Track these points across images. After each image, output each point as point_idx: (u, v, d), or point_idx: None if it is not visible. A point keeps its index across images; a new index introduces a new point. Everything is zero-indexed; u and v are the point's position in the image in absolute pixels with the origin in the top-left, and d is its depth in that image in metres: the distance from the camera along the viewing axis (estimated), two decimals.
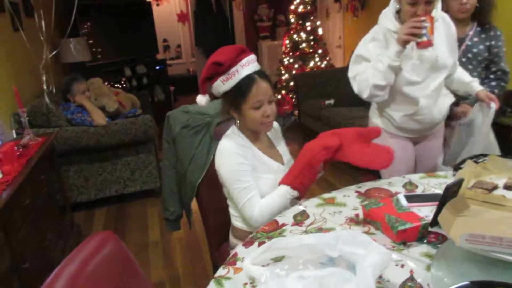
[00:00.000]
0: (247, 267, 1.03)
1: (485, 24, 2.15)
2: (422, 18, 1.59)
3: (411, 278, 0.98)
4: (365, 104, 2.17)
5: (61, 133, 3.15)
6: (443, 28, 1.83)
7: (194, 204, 1.86)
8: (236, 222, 1.58)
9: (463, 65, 2.11)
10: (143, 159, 3.52)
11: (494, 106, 1.89)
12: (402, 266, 1.03)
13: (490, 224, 0.91)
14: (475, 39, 2.16)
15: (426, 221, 1.11)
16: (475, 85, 1.96)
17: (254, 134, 1.55)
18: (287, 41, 5.50)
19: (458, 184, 1.09)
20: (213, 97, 1.83)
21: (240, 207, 1.46)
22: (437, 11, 1.77)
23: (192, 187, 1.82)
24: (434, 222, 1.16)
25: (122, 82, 5.85)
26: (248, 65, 1.44)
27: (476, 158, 1.68)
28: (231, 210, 1.62)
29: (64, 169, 3.29)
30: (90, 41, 5.21)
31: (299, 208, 1.41)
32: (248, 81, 1.43)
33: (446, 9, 2.04)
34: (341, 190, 1.54)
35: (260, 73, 1.46)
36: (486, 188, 1.27)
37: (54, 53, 2.90)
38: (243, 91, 1.43)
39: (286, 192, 1.45)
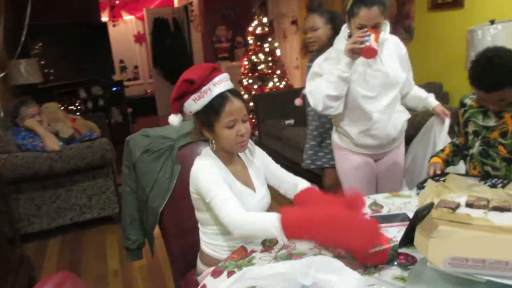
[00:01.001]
0: None
1: None
2: (365, 29, 1.71)
3: None
4: None
5: (11, 160, 2.97)
6: (394, 49, 1.94)
7: (156, 231, 1.79)
8: (206, 248, 1.53)
9: None
10: (100, 184, 3.37)
11: (448, 120, 2.03)
12: None
13: (465, 244, 0.92)
14: None
15: (395, 242, 1.11)
16: (431, 100, 2.07)
17: (229, 157, 1.50)
18: (245, 62, 5.54)
19: (428, 208, 1.10)
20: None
21: (219, 213, 1.33)
22: (386, 33, 1.88)
23: (155, 214, 1.75)
24: (402, 243, 1.17)
25: (77, 104, 5.66)
26: (220, 83, 1.40)
27: (437, 177, 1.73)
28: (202, 235, 1.55)
29: (13, 197, 3.09)
30: (42, 62, 5.02)
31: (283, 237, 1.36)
32: (221, 99, 1.38)
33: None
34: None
35: (233, 92, 1.43)
36: (450, 207, 1.30)
37: (2, 75, 2.76)
38: (216, 110, 1.38)
39: (269, 225, 1.21)
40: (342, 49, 1.86)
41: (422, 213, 1.08)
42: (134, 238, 1.87)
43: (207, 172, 1.38)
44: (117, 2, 8.11)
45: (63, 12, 5.61)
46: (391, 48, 1.93)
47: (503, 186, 1.51)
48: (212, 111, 1.39)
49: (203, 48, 7.23)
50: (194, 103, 1.41)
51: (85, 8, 5.98)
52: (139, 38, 8.88)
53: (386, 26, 1.88)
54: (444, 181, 1.59)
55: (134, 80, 8.93)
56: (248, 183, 1.51)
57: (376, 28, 1.74)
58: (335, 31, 2.19)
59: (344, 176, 2.07)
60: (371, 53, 1.71)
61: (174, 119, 1.50)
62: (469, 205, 1.37)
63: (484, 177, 1.70)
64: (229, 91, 1.42)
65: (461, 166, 1.99)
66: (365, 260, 1.11)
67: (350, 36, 1.87)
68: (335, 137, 2.09)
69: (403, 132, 2.04)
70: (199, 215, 1.52)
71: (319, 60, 1.99)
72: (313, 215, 1.16)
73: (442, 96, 3.31)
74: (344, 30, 1.92)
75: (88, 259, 3.01)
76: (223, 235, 1.48)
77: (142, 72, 9.05)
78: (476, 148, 1.81)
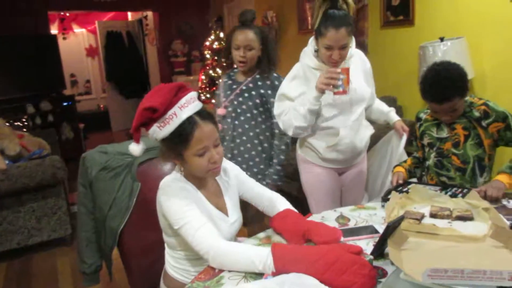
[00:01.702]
0: None
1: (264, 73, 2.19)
2: (338, 70, 1.70)
3: None
4: (287, 135, 2.23)
5: None
6: (359, 64, 1.97)
7: (114, 252, 1.70)
8: (171, 270, 1.45)
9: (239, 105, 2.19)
10: (51, 205, 3.17)
11: (405, 137, 2.08)
12: None
13: (436, 255, 0.92)
14: (251, 85, 2.18)
15: (369, 257, 1.10)
16: (393, 115, 2.13)
17: (200, 181, 1.39)
18: (203, 77, 5.50)
19: (399, 221, 1.10)
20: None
21: (192, 241, 1.23)
22: (352, 48, 1.90)
23: (113, 234, 1.66)
24: (374, 255, 1.16)
25: (24, 120, 5.36)
26: (187, 106, 1.26)
27: (400, 187, 1.76)
28: (168, 257, 1.47)
29: None
30: None
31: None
32: (189, 125, 1.25)
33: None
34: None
35: (202, 114, 1.29)
36: (416, 218, 1.32)
37: None
38: (184, 138, 1.25)
39: (256, 260, 1.13)
40: (309, 65, 1.88)
41: (393, 226, 1.08)
42: (91, 262, 1.76)
43: (175, 197, 1.28)
44: (67, 14, 7.84)
45: (10, 23, 5.35)
46: (357, 63, 1.95)
47: (463, 196, 1.57)
48: (180, 139, 1.26)
49: (159, 62, 7.12)
50: (159, 131, 1.27)
51: (33, 20, 5.73)
52: (91, 52, 8.61)
53: (352, 42, 1.90)
54: (407, 192, 1.63)
55: (86, 94, 8.61)
56: (220, 206, 1.43)
57: (343, 49, 1.76)
58: (264, 54, 2.15)
59: (309, 188, 2.06)
60: (342, 94, 1.75)
61: (135, 148, 1.34)
62: (433, 215, 1.40)
63: (444, 187, 1.75)
64: (198, 113, 1.28)
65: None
66: None
67: (316, 51, 1.87)
68: (300, 151, 2.08)
69: (367, 146, 2.07)
70: (166, 238, 1.43)
71: (287, 80, 1.96)
72: (311, 250, 1.11)
73: (397, 110, 3.41)
74: (311, 43, 1.92)
75: (38, 285, 2.80)
76: (190, 260, 1.41)
77: (95, 87, 8.76)
78: (431, 160, 1.87)
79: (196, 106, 1.29)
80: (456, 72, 1.68)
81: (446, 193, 1.64)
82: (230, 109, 2.21)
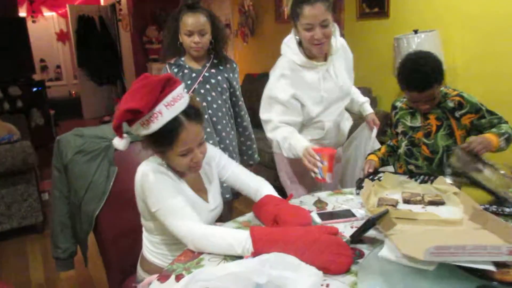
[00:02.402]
0: None
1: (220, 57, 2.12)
2: (317, 158, 1.58)
3: None
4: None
5: None
6: (343, 55, 1.93)
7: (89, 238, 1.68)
8: (149, 255, 1.44)
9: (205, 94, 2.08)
10: (21, 191, 3.09)
11: (375, 130, 2.12)
12: (328, 286, 1.02)
13: (428, 238, 0.95)
14: (213, 70, 2.09)
15: (347, 238, 1.13)
16: (366, 107, 2.15)
17: None
18: None
19: (381, 216, 1.13)
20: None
21: (170, 224, 1.23)
22: (337, 38, 1.87)
23: (89, 219, 1.64)
24: (354, 239, 1.19)
25: None
26: (174, 104, 1.20)
27: (372, 175, 1.80)
28: (146, 241, 1.46)
29: None
30: None
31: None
32: (174, 126, 1.21)
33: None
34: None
35: (188, 114, 1.24)
36: (392, 204, 1.36)
37: None
38: (168, 139, 1.22)
39: (234, 243, 1.14)
40: (295, 62, 1.80)
41: (373, 221, 1.12)
42: (65, 247, 1.74)
43: (155, 180, 1.26)
44: None
45: None
46: (341, 58, 1.91)
47: (431, 182, 1.62)
48: (164, 140, 1.23)
49: (133, 49, 6.97)
50: (142, 128, 1.22)
51: (0, 1, 5.51)
52: (62, 36, 8.36)
53: (336, 30, 1.85)
54: (379, 179, 1.67)
55: (56, 80, 8.37)
56: (201, 192, 1.42)
57: (325, 27, 1.68)
58: (217, 36, 2.04)
59: (289, 178, 2.04)
60: (322, 181, 1.61)
61: (119, 143, 1.28)
62: (406, 201, 1.44)
63: (413, 175, 1.80)
64: (185, 112, 1.23)
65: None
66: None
67: (300, 43, 1.82)
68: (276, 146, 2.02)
69: (346, 137, 2.10)
70: (144, 222, 1.42)
71: (273, 79, 1.84)
72: (289, 231, 1.12)
73: (371, 101, 3.47)
74: (292, 38, 1.84)
75: (8, 273, 2.74)
76: (168, 245, 1.41)
77: (66, 72, 8.52)
78: (402, 148, 1.92)
79: (183, 103, 1.24)
80: (433, 60, 1.72)
81: (416, 180, 1.69)
82: (197, 99, 2.04)
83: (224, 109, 2.10)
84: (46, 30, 8.11)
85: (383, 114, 3.30)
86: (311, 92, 1.83)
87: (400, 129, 1.94)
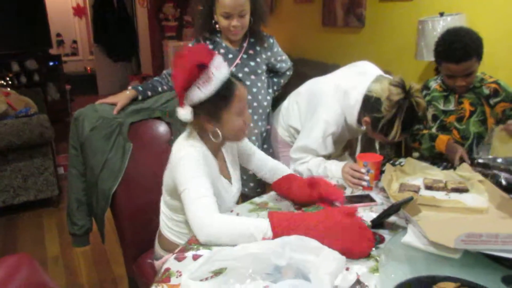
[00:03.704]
0: (186, 283, 0.92)
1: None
2: (363, 171, 1.48)
3: (358, 282, 0.96)
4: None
5: None
6: None
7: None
8: (168, 233, 1.44)
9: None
10: (38, 165, 3.12)
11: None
12: (348, 269, 1.00)
13: (456, 224, 0.93)
14: (251, 51, 1.96)
15: (367, 223, 1.11)
16: None
17: (216, 147, 1.36)
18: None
19: (406, 202, 1.10)
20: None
21: (189, 209, 1.17)
22: None
23: (106, 196, 1.64)
24: (375, 224, 1.17)
25: (8, 78, 5.20)
26: (221, 67, 1.22)
27: (393, 161, 1.77)
28: (166, 220, 1.44)
29: None
30: None
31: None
32: (228, 84, 1.23)
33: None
34: (271, 194, 1.49)
35: (235, 76, 1.29)
36: (414, 190, 1.33)
37: None
38: (225, 96, 1.23)
39: (254, 231, 1.08)
40: (350, 124, 1.68)
41: (397, 206, 1.09)
42: (81, 223, 1.75)
43: (191, 162, 1.22)
44: None
45: None
46: None
47: (454, 168, 1.58)
48: (220, 99, 1.23)
49: (149, 26, 6.91)
50: (199, 91, 1.20)
51: None
52: (78, 11, 8.31)
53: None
54: (400, 164, 1.64)
55: (72, 55, 8.37)
56: (225, 175, 1.41)
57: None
58: (256, 15, 1.87)
59: None
60: (368, 189, 1.51)
61: (185, 113, 1.25)
62: (428, 187, 1.41)
63: (435, 161, 1.76)
64: (231, 75, 1.27)
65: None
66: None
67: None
68: (282, 132, 2.00)
69: None
70: (172, 201, 1.38)
71: (319, 132, 1.68)
72: (307, 216, 1.09)
73: None
74: (357, 100, 1.62)
75: (24, 245, 2.79)
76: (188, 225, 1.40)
77: (82, 48, 8.50)
78: (427, 133, 1.86)
79: (227, 67, 1.26)
80: (474, 34, 1.67)
81: (438, 166, 1.65)
82: None
83: (263, 91, 1.98)
84: (63, 4, 8.06)
85: None
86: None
87: (430, 112, 1.87)
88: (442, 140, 1.75)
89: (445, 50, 1.69)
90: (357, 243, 1.03)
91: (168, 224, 1.44)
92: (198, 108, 1.25)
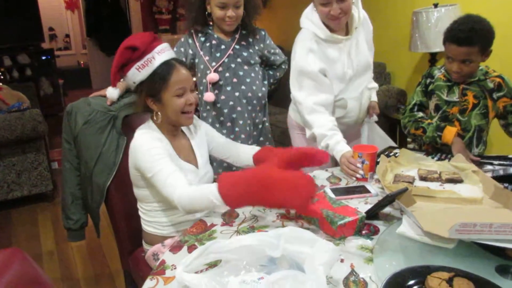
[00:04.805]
0: (180, 276, 0.92)
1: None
2: (358, 165, 1.49)
3: (353, 273, 0.96)
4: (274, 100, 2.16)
5: None
6: (365, 29, 1.85)
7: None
8: (146, 226, 1.47)
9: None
10: (31, 159, 3.10)
11: (374, 117, 1.95)
12: (342, 261, 1.01)
13: (450, 215, 0.93)
14: (243, 42, 1.97)
15: (362, 214, 1.11)
16: (372, 94, 1.99)
17: (172, 130, 1.42)
18: None
19: (400, 193, 1.10)
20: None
21: (163, 189, 1.25)
22: (360, 10, 1.77)
23: (101, 190, 1.63)
24: (370, 215, 1.17)
25: (0, 73, 5.16)
26: (163, 52, 1.35)
27: (387, 152, 1.77)
28: (141, 215, 1.48)
29: None
30: None
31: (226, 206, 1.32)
32: (167, 67, 1.33)
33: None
34: None
35: (178, 60, 1.38)
36: (408, 181, 1.33)
37: None
38: (163, 77, 1.32)
39: (211, 196, 1.15)
40: (319, 37, 1.71)
41: (392, 197, 1.09)
42: (76, 218, 1.74)
43: (149, 146, 1.30)
44: None
45: None
46: (363, 28, 1.83)
47: (449, 159, 1.58)
48: (159, 79, 1.32)
49: (142, 19, 6.87)
50: (138, 72, 1.33)
51: None
52: (70, 5, 8.23)
53: (358, 2, 1.76)
54: (395, 156, 1.64)
55: (65, 50, 8.31)
56: (190, 159, 1.45)
57: (342, 1, 1.58)
58: (250, 7, 1.88)
59: None
60: (363, 181, 1.51)
61: (113, 92, 1.45)
62: (422, 178, 1.41)
63: (430, 152, 1.76)
64: (174, 59, 1.37)
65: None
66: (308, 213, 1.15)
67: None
68: (296, 117, 1.98)
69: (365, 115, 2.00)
70: (137, 191, 1.45)
71: (301, 53, 1.73)
72: (249, 178, 1.11)
73: (385, 77, 3.41)
74: (312, 10, 1.73)
75: (19, 240, 2.78)
76: (162, 211, 1.42)
77: (74, 42, 8.44)
78: (434, 122, 1.83)
79: (171, 54, 1.38)
80: (488, 26, 1.65)
81: (432, 158, 1.65)
82: (227, 74, 1.92)
83: (257, 82, 1.98)
84: None
85: (397, 91, 3.24)
86: (334, 68, 1.75)
87: (434, 101, 1.86)
88: (451, 132, 1.74)
89: (451, 30, 1.67)
90: (293, 193, 1.05)
91: (143, 217, 1.48)
92: (140, 88, 1.36)
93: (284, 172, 1.10)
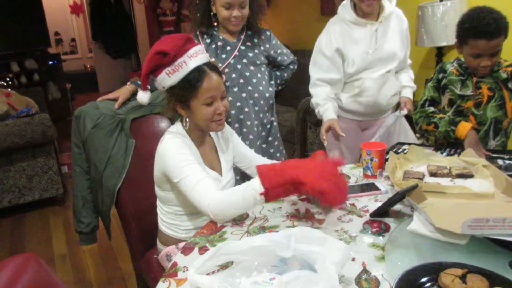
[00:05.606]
0: (193, 278, 0.92)
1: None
2: (324, 137, 1.70)
3: (365, 271, 0.96)
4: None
5: None
6: (398, 23, 1.96)
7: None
8: (163, 226, 1.47)
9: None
10: (41, 164, 3.14)
11: (405, 111, 1.97)
12: (354, 259, 1.00)
13: (462, 210, 0.92)
14: (248, 43, 1.96)
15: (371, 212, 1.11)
16: (406, 91, 2.03)
17: (201, 137, 1.40)
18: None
19: (410, 190, 1.10)
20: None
21: (192, 195, 1.23)
22: (392, 4, 1.91)
23: (111, 193, 1.64)
24: (377, 213, 1.17)
25: (8, 79, 5.21)
26: (196, 56, 1.28)
27: (396, 148, 1.75)
28: (160, 214, 1.48)
29: None
30: None
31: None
32: (198, 73, 1.28)
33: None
34: None
35: (210, 66, 1.32)
36: (418, 177, 1.32)
37: None
38: (193, 85, 1.27)
39: (252, 196, 1.13)
40: (346, 17, 1.92)
41: (402, 194, 1.09)
42: (88, 221, 1.75)
43: (177, 152, 1.28)
44: None
45: None
46: (395, 22, 1.94)
47: (458, 154, 1.56)
48: (188, 86, 1.28)
49: (147, 21, 6.89)
50: (168, 78, 1.29)
51: None
52: (75, 9, 8.29)
53: None
54: (404, 152, 1.63)
55: (71, 54, 8.37)
56: (215, 166, 1.43)
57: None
58: (255, 7, 1.88)
59: (329, 141, 1.95)
60: (372, 178, 1.48)
61: (143, 96, 1.41)
62: (432, 174, 1.40)
63: (439, 147, 1.74)
64: (206, 64, 1.31)
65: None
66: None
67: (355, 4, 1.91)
68: None
69: (392, 105, 2.05)
70: (160, 193, 1.43)
71: (323, 33, 1.98)
72: (287, 162, 1.14)
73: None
74: None
75: (31, 244, 2.81)
76: (185, 215, 1.42)
77: (80, 46, 8.50)
78: (447, 116, 1.81)
79: (204, 57, 1.32)
80: (500, 12, 1.62)
81: (442, 153, 1.64)
82: (234, 75, 1.91)
83: (264, 83, 1.97)
84: (60, 2, 8.05)
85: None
86: (356, 47, 1.91)
87: (447, 96, 1.83)
88: (465, 126, 1.72)
89: (475, 26, 1.60)
90: (333, 190, 1.06)
91: (162, 218, 1.47)
92: (170, 93, 1.33)
93: (326, 166, 1.13)
